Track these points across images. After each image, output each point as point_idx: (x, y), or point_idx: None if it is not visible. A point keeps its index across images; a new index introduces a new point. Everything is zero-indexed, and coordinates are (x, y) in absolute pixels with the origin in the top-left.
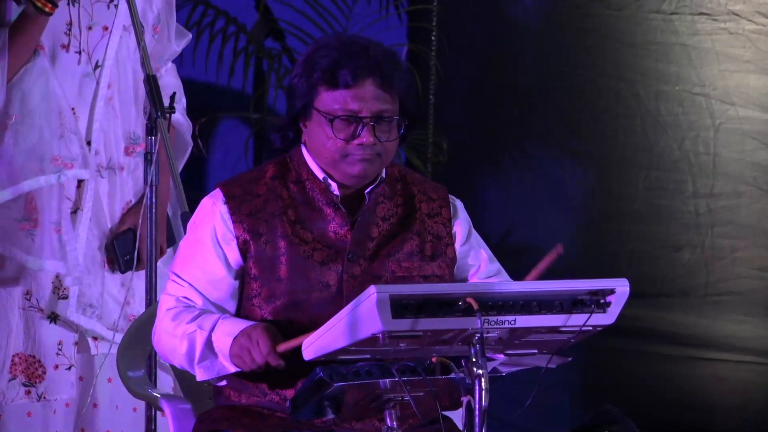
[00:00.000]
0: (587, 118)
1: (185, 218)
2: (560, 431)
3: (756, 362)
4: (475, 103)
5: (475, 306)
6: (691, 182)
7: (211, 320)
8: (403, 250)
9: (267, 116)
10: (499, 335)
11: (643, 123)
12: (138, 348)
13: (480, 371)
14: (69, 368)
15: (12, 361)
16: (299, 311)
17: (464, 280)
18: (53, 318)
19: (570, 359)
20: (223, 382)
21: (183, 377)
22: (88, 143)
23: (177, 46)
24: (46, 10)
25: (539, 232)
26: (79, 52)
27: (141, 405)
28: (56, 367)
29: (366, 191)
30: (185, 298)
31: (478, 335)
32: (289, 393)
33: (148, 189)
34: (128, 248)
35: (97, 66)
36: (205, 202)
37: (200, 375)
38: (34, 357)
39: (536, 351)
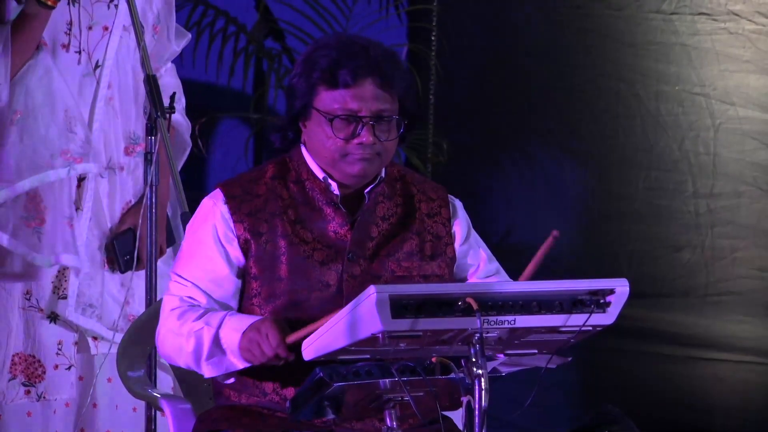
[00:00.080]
0: (587, 118)
1: (185, 218)
2: (560, 431)
3: (756, 362)
4: (475, 103)
5: (475, 306)
6: (691, 182)
7: (218, 317)
8: (403, 249)
9: (267, 116)
10: (498, 335)
11: (643, 123)
12: (138, 348)
13: (480, 371)
14: (69, 368)
15: (12, 360)
16: (299, 311)
17: (463, 279)
18: (53, 318)
19: (570, 359)
20: (231, 380)
21: (183, 377)
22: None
23: (177, 46)
24: (49, 3)
25: (539, 232)
26: (79, 52)
27: (141, 405)
28: (56, 367)
29: (366, 191)
30: (189, 297)
31: (478, 335)
32: (289, 393)
33: (148, 189)
34: (128, 248)
35: (97, 66)
36: (206, 203)
37: (208, 372)
38: (34, 357)
39: (536, 351)
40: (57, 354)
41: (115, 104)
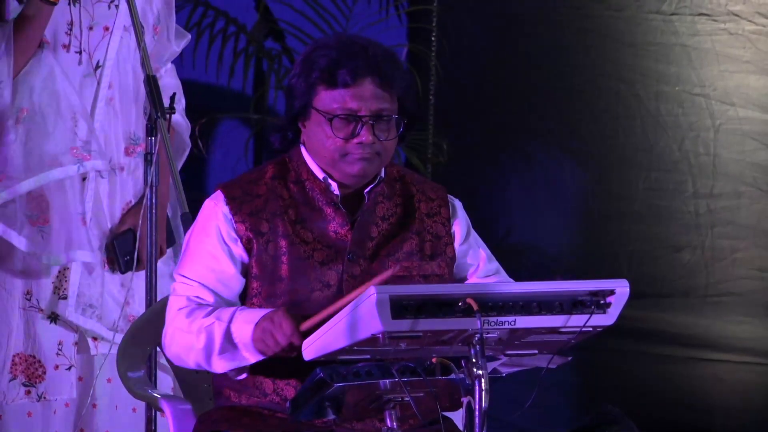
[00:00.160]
0: (587, 119)
1: (185, 219)
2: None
3: (756, 363)
4: (475, 103)
5: (475, 307)
6: (691, 183)
7: (229, 312)
8: (403, 249)
9: (267, 117)
10: (499, 336)
11: (643, 123)
12: (138, 348)
13: (480, 372)
14: (69, 368)
15: (12, 361)
16: (299, 311)
17: (463, 279)
18: (53, 318)
19: (570, 360)
20: (243, 375)
21: (183, 378)
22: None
23: (176, 46)
24: (52, 0)
25: (539, 232)
26: (80, 52)
27: (140, 405)
28: (56, 367)
29: (365, 191)
30: (197, 297)
31: (478, 336)
32: (290, 393)
33: (148, 189)
34: (128, 248)
35: (97, 66)
36: (207, 204)
37: (219, 367)
38: (34, 357)
39: (536, 351)
40: (57, 354)
41: (115, 105)
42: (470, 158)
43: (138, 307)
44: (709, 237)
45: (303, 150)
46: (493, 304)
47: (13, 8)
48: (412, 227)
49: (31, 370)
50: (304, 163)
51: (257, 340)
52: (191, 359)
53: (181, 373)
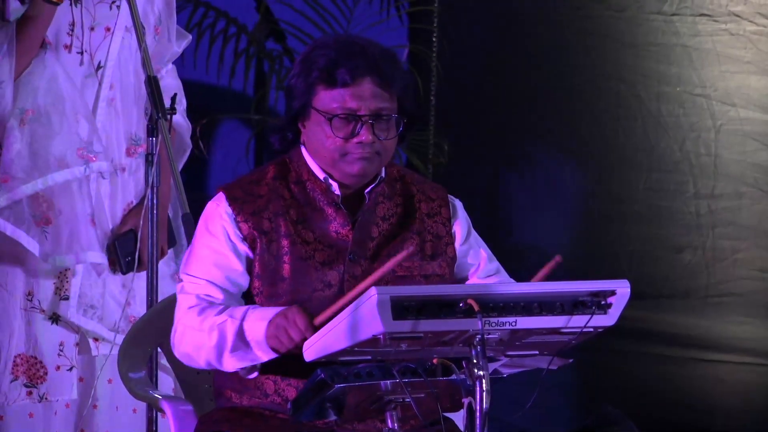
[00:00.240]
0: (587, 119)
1: (186, 219)
2: None
3: (757, 363)
4: (476, 104)
5: (476, 307)
6: (692, 183)
7: (241, 310)
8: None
9: (268, 118)
10: (499, 336)
11: (644, 124)
12: (139, 349)
13: (481, 372)
14: (70, 369)
15: (14, 362)
16: None
17: (464, 279)
18: (54, 319)
19: (571, 360)
20: (254, 374)
21: (184, 379)
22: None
23: (177, 47)
24: (55, 0)
25: (539, 233)
26: (81, 53)
27: (141, 406)
28: (58, 368)
29: (366, 191)
30: (207, 295)
31: (479, 336)
32: (291, 394)
33: (149, 190)
34: (129, 249)
35: (99, 67)
36: (210, 206)
37: (231, 364)
38: (35, 358)
39: (537, 352)
40: (59, 355)
41: (116, 105)
42: (471, 159)
43: (139, 308)
44: (709, 238)
45: (303, 150)
46: (494, 305)
47: (14, 8)
48: (413, 227)
49: (32, 371)
50: (305, 163)
51: (271, 337)
52: (202, 358)
53: (182, 374)
